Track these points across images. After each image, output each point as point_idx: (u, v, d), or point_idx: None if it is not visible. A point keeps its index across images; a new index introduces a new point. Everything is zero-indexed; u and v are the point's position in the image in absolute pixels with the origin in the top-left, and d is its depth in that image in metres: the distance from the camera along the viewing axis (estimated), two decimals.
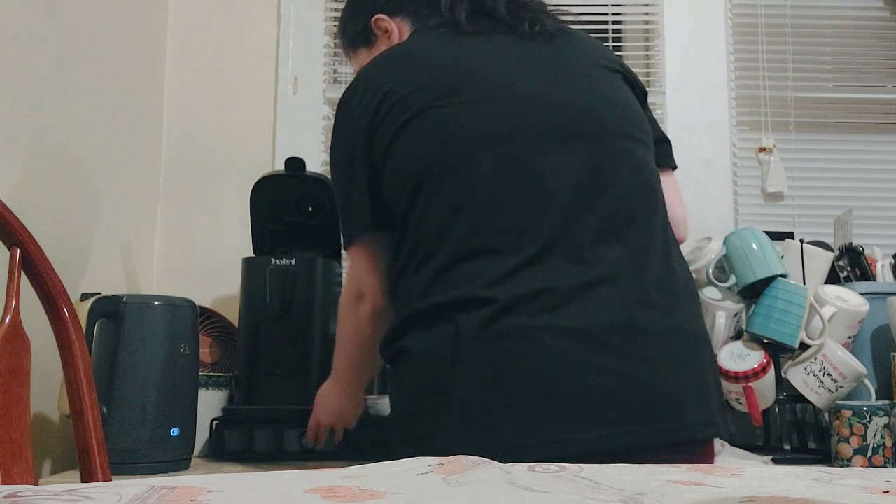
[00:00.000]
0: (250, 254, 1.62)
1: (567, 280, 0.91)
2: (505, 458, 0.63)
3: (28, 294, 0.82)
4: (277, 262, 1.49)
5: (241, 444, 1.40)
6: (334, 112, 1.13)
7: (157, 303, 1.29)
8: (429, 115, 0.99)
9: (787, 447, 1.46)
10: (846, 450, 1.32)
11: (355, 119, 1.07)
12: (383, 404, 1.48)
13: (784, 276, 1.43)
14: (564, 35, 1.09)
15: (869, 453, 1.30)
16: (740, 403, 1.41)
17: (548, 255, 0.92)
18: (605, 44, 1.60)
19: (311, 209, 1.61)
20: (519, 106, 0.99)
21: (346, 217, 1.09)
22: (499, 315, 0.89)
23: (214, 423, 1.41)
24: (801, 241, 1.58)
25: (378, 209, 1.06)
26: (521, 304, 0.89)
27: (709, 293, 1.46)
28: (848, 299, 1.44)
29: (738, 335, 1.48)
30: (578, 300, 0.90)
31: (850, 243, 1.61)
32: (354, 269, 1.10)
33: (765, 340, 1.42)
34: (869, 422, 1.31)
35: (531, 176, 0.95)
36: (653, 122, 1.13)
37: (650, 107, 1.16)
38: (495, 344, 0.89)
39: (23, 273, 0.82)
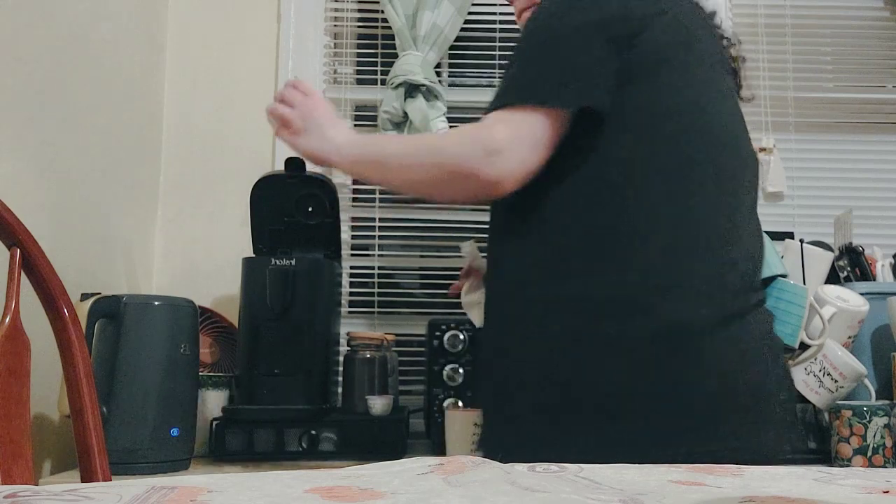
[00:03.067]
0: (250, 254, 1.62)
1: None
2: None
3: (28, 294, 0.82)
4: (277, 262, 1.49)
5: (241, 444, 1.40)
6: None
7: (157, 303, 1.29)
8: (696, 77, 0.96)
9: (787, 447, 1.45)
10: (846, 450, 1.32)
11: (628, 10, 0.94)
12: (383, 404, 1.48)
13: (784, 276, 1.43)
14: None
15: (869, 453, 1.30)
16: None
17: None
18: None
19: (311, 209, 1.61)
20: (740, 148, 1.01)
21: (554, 72, 0.92)
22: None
23: (214, 423, 1.41)
24: (801, 241, 1.58)
25: (607, 101, 0.92)
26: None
27: None
28: (848, 299, 1.44)
29: None
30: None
31: (850, 243, 1.61)
32: (514, 129, 0.92)
33: None
34: (869, 422, 1.30)
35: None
36: None
37: None
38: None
39: (23, 273, 0.82)
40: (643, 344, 0.87)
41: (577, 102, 0.91)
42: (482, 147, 0.90)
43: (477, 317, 1.35)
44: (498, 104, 0.94)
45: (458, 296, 1.39)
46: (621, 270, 0.89)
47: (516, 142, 0.90)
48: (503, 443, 0.93)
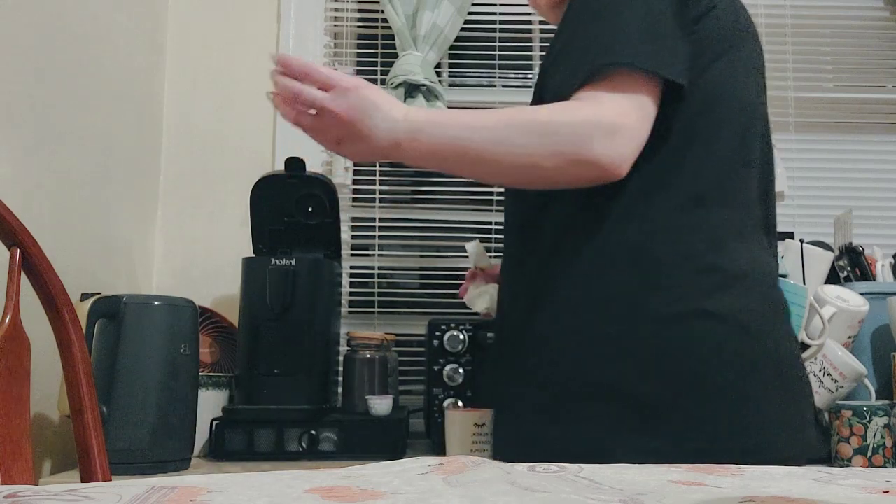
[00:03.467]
0: (250, 254, 1.62)
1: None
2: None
3: (28, 294, 0.82)
4: (277, 262, 1.49)
5: (241, 444, 1.40)
6: None
7: (157, 303, 1.29)
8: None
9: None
10: (846, 450, 1.32)
11: None
12: (383, 404, 1.48)
13: (784, 276, 1.43)
14: None
15: (869, 453, 1.30)
16: None
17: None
18: None
19: (311, 209, 1.61)
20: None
21: (652, 37, 0.84)
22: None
23: (214, 423, 1.41)
24: (801, 241, 1.58)
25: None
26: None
27: None
28: (848, 299, 1.44)
29: None
30: None
31: (850, 243, 1.61)
32: (628, 104, 0.82)
33: None
34: (869, 422, 1.30)
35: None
36: None
37: None
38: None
39: (23, 273, 0.82)
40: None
41: (685, 75, 0.85)
42: (601, 129, 0.80)
43: (483, 305, 1.33)
44: (593, 69, 0.83)
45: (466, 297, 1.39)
46: (715, 261, 0.86)
47: (633, 119, 0.82)
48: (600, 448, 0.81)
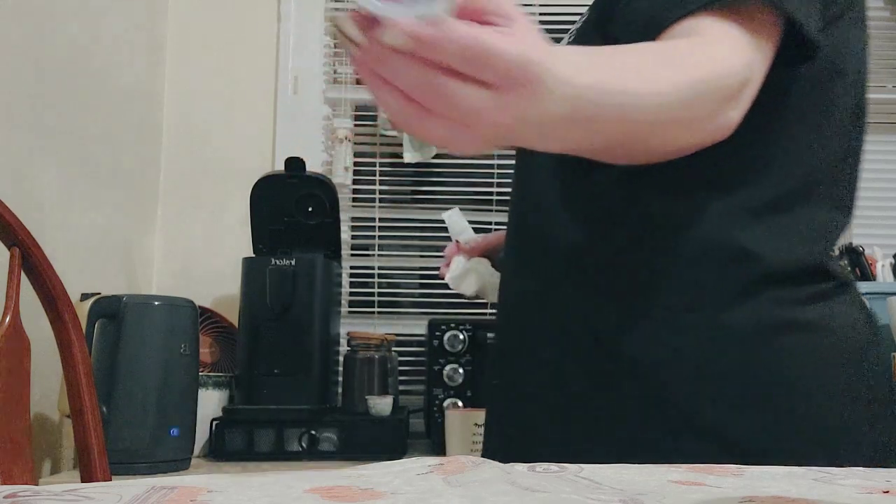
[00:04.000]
0: (250, 254, 1.62)
1: None
2: None
3: (28, 294, 0.82)
4: (277, 262, 1.49)
5: (241, 444, 1.40)
6: None
7: (157, 303, 1.29)
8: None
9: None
10: None
11: None
12: (384, 404, 1.48)
13: None
14: None
15: None
16: None
17: None
18: None
19: (311, 209, 1.61)
20: None
21: None
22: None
23: (214, 423, 1.41)
24: None
25: None
26: None
27: None
28: None
29: None
30: None
31: (850, 243, 1.61)
32: (752, 52, 0.66)
33: None
34: None
35: None
36: None
37: None
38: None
39: (23, 273, 0.82)
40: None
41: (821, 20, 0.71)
42: (734, 88, 0.65)
43: (472, 287, 1.11)
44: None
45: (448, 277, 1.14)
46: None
47: (757, 73, 0.67)
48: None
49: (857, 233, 1.73)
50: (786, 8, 0.67)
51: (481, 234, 1.13)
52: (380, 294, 1.92)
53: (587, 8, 0.85)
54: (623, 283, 0.74)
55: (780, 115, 0.74)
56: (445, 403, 1.52)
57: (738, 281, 0.70)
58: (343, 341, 1.70)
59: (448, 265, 1.13)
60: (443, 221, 1.28)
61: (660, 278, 0.72)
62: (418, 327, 1.80)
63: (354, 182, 1.96)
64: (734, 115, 0.65)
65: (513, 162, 0.89)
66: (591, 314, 0.75)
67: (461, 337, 1.54)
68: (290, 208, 1.60)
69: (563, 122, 0.59)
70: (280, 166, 1.64)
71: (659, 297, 0.72)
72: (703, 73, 0.64)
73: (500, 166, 1.91)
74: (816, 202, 0.75)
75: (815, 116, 0.77)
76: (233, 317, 1.63)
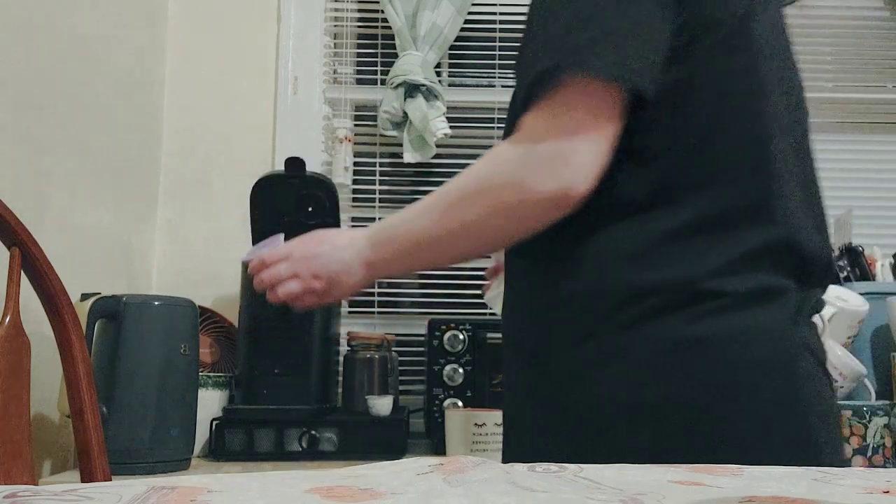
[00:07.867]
0: None
1: None
2: None
3: (28, 294, 0.82)
4: None
5: (241, 444, 1.40)
6: None
7: (156, 303, 1.29)
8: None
9: None
10: (846, 450, 1.32)
11: None
12: (384, 404, 1.48)
13: None
14: None
15: (869, 453, 1.30)
16: None
17: None
18: None
19: (311, 209, 1.61)
20: None
21: (617, 36, 0.68)
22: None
23: (214, 423, 1.41)
24: None
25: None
26: None
27: None
28: (848, 299, 1.44)
29: None
30: None
31: (850, 243, 1.61)
32: (572, 120, 0.69)
33: None
34: (869, 422, 1.31)
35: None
36: None
37: None
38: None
39: (23, 273, 0.82)
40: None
41: (642, 83, 0.70)
42: (536, 164, 0.70)
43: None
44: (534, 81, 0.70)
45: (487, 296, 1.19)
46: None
47: (579, 135, 0.70)
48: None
49: (857, 233, 1.73)
50: (594, 73, 0.68)
51: None
52: (380, 294, 1.92)
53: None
54: (542, 305, 0.80)
55: (651, 155, 0.74)
56: (445, 403, 1.52)
57: (624, 313, 0.73)
58: (343, 341, 1.70)
59: (491, 281, 1.18)
60: None
61: (559, 306, 0.77)
62: (418, 327, 1.80)
63: (354, 182, 1.96)
64: (566, 178, 0.69)
65: None
66: (524, 330, 0.83)
67: (461, 337, 1.54)
68: (290, 208, 1.60)
69: (373, 268, 0.83)
70: (280, 166, 1.63)
71: (561, 323, 0.76)
72: (476, 172, 0.73)
73: None
74: (706, 229, 0.76)
75: (687, 153, 0.75)
76: (233, 317, 1.63)
